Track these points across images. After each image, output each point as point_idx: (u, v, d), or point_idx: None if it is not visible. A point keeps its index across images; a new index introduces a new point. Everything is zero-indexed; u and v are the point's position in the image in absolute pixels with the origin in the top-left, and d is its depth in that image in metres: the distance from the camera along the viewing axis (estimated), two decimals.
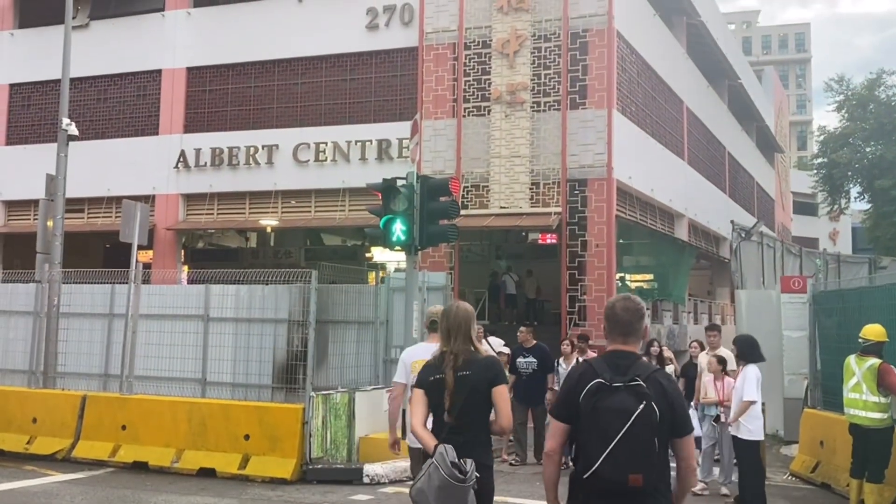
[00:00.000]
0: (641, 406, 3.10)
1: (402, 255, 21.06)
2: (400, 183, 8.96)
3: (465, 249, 25.12)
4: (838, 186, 26.16)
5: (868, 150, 25.19)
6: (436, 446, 3.89)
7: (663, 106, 22.40)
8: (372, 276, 21.15)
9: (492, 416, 4.03)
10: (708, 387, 8.31)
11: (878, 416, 6.70)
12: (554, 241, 19.26)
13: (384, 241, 8.98)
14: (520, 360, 10.73)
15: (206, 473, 8.91)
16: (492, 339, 12.02)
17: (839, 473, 8.08)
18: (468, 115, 18.49)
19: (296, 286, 12.21)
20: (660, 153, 21.55)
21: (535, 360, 10.52)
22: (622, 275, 19.23)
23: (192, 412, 9.56)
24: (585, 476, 3.14)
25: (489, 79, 18.28)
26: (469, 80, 18.48)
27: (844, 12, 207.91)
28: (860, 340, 6.97)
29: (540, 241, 21.22)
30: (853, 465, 6.95)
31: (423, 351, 4.89)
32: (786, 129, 50.34)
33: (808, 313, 11.13)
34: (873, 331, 6.88)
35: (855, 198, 26.64)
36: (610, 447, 3.07)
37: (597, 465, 3.10)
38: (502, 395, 4.01)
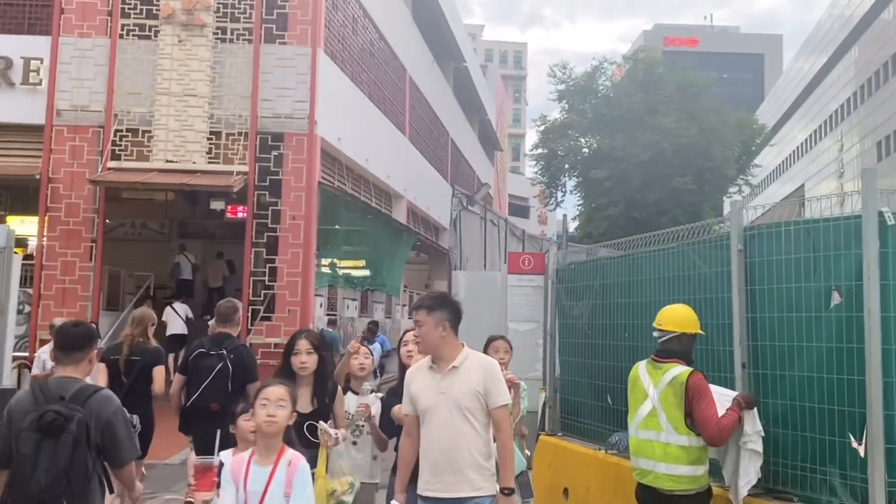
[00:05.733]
0: (220, 364, 5.57)
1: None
2: None
3: (137, 225, 20.10)
4: (556, 178, 25.49)
5: (583, 141, 24.69)
6: None
7: (383, 68, 19.47)
8: None
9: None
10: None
11: (686, 471, 3.83)
12: (244, 214, 15.21)
13: None
14: None
15: None
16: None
17: None
18: (127, 34, 13.75)
19: None
20: (378, 121, 18.54)
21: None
22: (329, 259, 15.80)
23: None
24: (188, 405, 5.64)
25: None
26: None
27: (554, 47, 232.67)
28: (655, 334, 4.06)
29: (229, 215, 16.94)
30: None
31: None
32: (505, 130, 51.43)
33: (542, 299, 8.49)
34: (674, 315, 4.03)
35: (570, 191, 26.27)
36: (201, 388, 5.54)
37: (194, 398, 5.57)
38: (160, 371, 6.29)
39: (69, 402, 3.12)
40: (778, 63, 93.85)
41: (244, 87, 13.68)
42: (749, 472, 3.84)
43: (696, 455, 3.86)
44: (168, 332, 14.80)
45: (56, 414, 3.05)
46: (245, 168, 13.52)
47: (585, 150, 24.59)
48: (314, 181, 13.94)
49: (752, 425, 3.86)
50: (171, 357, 14.52)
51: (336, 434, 4.18)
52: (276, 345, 13.23)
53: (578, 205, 26.57)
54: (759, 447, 3.84)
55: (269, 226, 13.76)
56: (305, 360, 4.26)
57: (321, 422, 4.13)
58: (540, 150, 26.29)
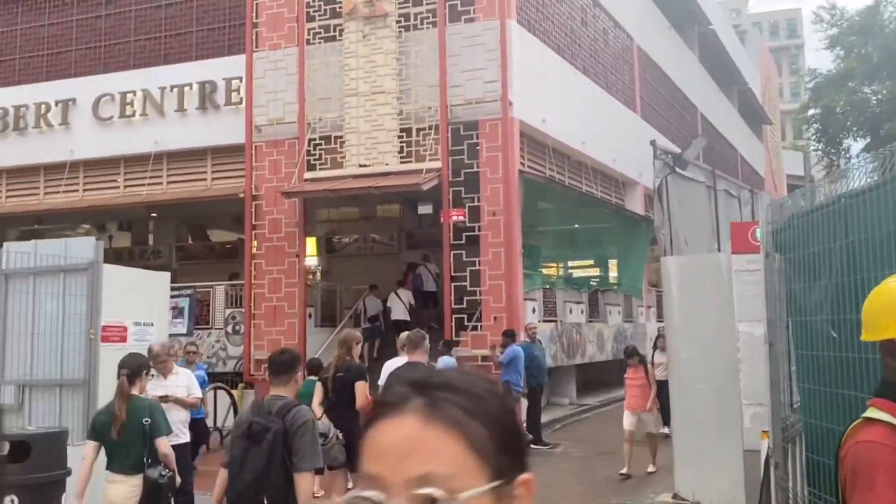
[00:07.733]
0: None
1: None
2: None
3: (369, 240, 19.96)
4: (835, 141, 20.83)
5: (869, 90, 19.79)
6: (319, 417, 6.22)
7: (601, 38, 17.16)
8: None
9: None
10: None
11: None
12: (461, 217, 13.90)
13: None
14: None
15: None
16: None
17: None
18: (314, 39, 13.28)
19: None
20: (597, 98, 16.28)
21: None
22: (540, 258, 13.93)
23: None
24: None
25: None
26: None
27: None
28: None
29: (442, 220, 15.79)
30: None
31: (396, 361, 7.14)
32: (775, 101, 45.18)
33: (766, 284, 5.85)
34: (867, 307, 1.79)
35: (857, 156, 21.35)
36: None
37: None
38: (361, 386, 6.34)
39: (274, 415, 3.61)
40: None
41: (431, 75, 12.45)
42: None
43: None
44: (392, 318, 14.18)
45: (259, 425, 3.58)
46: (437, 164, 12.25)
47: (874, 100, 19.69)
48: (513, 170, 12.24)
49: None
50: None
51: None
52: (483, 357, 11.71)
53: (871, 174, 21.54)
54: None
55: (468, 224, 12.32)
56: None
57: None
58: (812, 111, 21.76)
